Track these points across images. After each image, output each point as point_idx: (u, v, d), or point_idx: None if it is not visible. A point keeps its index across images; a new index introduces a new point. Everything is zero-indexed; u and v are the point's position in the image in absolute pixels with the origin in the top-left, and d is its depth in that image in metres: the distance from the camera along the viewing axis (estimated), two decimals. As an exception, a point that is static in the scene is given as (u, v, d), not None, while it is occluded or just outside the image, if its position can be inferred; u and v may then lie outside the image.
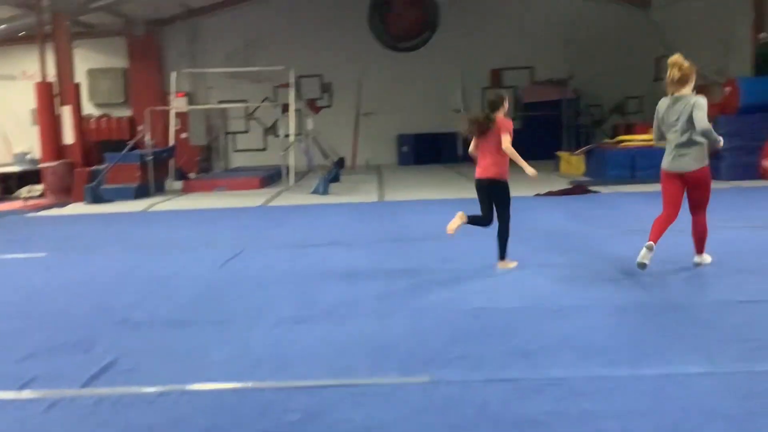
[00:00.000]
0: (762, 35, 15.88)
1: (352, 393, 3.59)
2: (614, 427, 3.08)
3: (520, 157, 6.37)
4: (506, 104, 6.57)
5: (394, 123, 21.79)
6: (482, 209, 6.53)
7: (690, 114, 5.82)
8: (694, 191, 6.09)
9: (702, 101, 5.86)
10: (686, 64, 5.98)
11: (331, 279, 6.26)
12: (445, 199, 12.20)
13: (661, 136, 6.20)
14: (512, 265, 6.44)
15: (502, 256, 6.46)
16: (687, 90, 5.97)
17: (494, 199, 6.48)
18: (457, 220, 6.40)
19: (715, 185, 11.34)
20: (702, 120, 5.74)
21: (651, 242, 5.89)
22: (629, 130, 17.05)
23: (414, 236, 8.39)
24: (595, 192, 11.95)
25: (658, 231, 6.05)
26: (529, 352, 4.08)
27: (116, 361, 4.19)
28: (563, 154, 16.56)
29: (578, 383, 3.58)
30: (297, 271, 6.69)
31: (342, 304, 5.40)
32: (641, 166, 13.60)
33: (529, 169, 6.38)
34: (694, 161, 5.95)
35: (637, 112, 22.14)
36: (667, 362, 3.83)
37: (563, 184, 13.09)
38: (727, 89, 14.03)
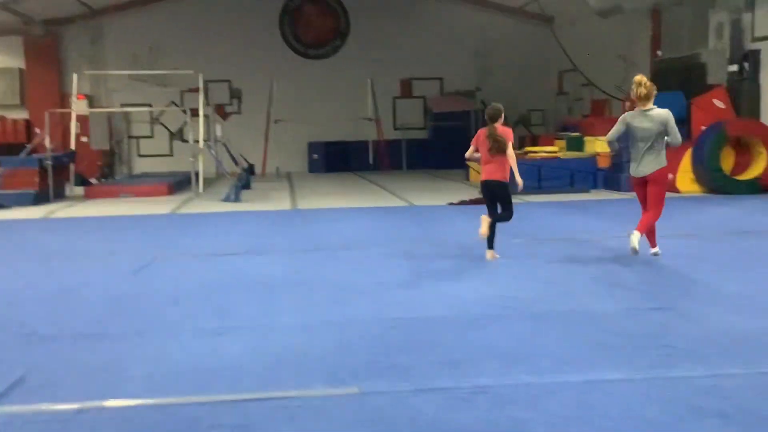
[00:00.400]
0: (659, 53, 16.69)
1: (280, 406, 3.50)
2: (544, 434, 3.13)
3: (516, 164, 7.19)
4: (503, 115, 7.41)
5: (304, 130, 21.67)
6: (491, 207, 7.40)
7: (660, 125, 6.83)
8: (651, 186, 7.01)
9: (671, 114, 6.92)
10: (648, 82, 6.97)
11: (250, 289, 6.13)
12: (360, 207, 12.21)
13: (617, 141, 7.26)
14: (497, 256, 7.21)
15: (492, 245, 7.27)
16: (650, 104, 6.92)
17: (498, 198, 7.32)
18: (485, 225, 7.13)
19: (614, 195, 11.89)
20: (677, 132, 6.91)
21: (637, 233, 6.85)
22: (535, 141, 17.55)
23: (331, 245, 8.33)
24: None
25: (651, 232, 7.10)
26: (456, 362, 4.10)
27: (25, 378, 3.95)
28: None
29: (506, 391, 3.62)
30: (213, 280, 6.52)
31: (263, 314, 5.29)
32: (547, 177, 14.03)
33: (519, 178, 7.17)
34: (656, 164, 6.94)
35: (540, 125, 22.85)
36: (589, 369, 3.93)
37: (474, 194, 13.32)
38: (628, 104, 14.63)
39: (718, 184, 12.87)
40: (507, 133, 7.22)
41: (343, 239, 8.79)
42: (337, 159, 21.67)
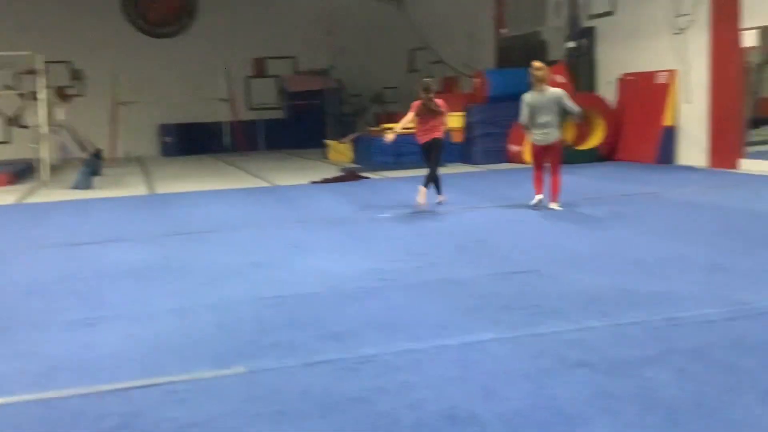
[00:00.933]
0: (503, 31, 17.44)
1: (169, 391, 3.47)
2: (429, 395, 3.30)
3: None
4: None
5: (154, 112, 20.91)
6: (428, 165, 8.92)
7: (557, 102, 8.20)
8: (552, 155, 8.41)
9: (564, 92, 8.41)
10: (544, 66, 8.46)
11: (116, 277, 5.93)
12: (222, 189, 12.01)
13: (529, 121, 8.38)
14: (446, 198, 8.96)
15: (440, 191, 8.98)
16: (546, 84, 8.33)
17: (432, 153, 8.88)
18: (421, 194, 8.62)
19: (468, 169, 12.37)
20: (574, 104, 8.33)
21: (540, 195, 8.41)
22: (391, 118, 17.86)
23: (197, 228, 8.19)
24: (366, 178, 12.42)
25: (539, 184, 8.48)
26: (338, 335, 4.21)
27: None
28: (331, 142, 16.98)
29: (390, 358, 3.77)
30: (74, 271, 6.26)
31: (134, 302, 5.16)
32: (405, 152, 14.36)
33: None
34: (555, 136, 8.31)
35: (394, 102, 23.27)
36: (464, 332, 4.16)
37: (334, 172, 13.45)
38: (477, 80, 15.25)
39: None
40: (442, 102, 8.94)
41: (209, 222, 8.66)
42: (190, 141, 21.07)
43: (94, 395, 3.45)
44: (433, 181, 8.87)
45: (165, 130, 21.27)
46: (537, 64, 8.41)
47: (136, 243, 7.49)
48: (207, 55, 20.98)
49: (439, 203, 8.96)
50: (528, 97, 8.39)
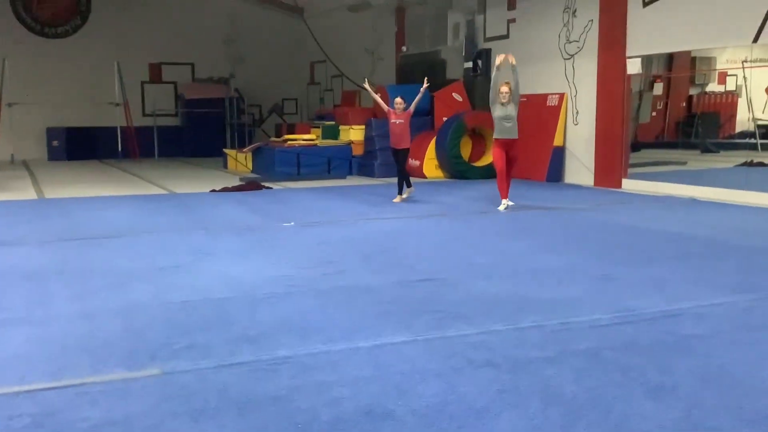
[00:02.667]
0: (404, 48, 17.85)
1: (82, 392, 3.43)
2: (347, 393, 3.41)
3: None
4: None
5: (43, 115, 20.13)
6: (397, 166, 10.80)
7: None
8: (512, 152, 9.68)
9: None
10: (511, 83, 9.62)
11: (13, 281, 5.73)
12: (118, 195, 11.71)
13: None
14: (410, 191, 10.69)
15: (409, 185, 10.74)
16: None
17: (401, 158, 10.71)
18: (398, 197, 10.59)
19: (369, 181, 12.61)
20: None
21: (506, 200, 9.67)
22: (292, 129, 17.93)
23: (96, 233, 7.97)
24: (268, 188, 12.42)
25: (506, 189, 9.74)
26: (252, 338, 4.26)
27: None
28: (230, 152, 16.84)
29: (306, 359, 3.86)
30: (-36, 275, 5.99)
31: (37, 305, 5.01)
32: (305, 164, 14.47)
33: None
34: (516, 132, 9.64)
35: (294, 113, 23.34)
36: (376, 335, 4.30)
37: (234, 181, 13.36)
38: (378, 95, 15.51)
39: (458, 169, 14.16)
40: (408, 113, 10.66)
41: (108, 227, 8.44)
42: (80, 146, 20.41)
43: (3, 396, 3.37)
44: (405, 181, 10.62)
45: (53, 133, 20.47)
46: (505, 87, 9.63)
47: (30, 247, 7.24)
48: (100, 57, 20.41)
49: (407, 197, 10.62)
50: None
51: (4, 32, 19.96)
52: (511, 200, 9.77)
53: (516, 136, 9.66)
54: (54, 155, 20.29)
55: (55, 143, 20.47)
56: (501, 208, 9.63)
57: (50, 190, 12.76)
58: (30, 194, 12.12)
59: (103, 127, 20.33)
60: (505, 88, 9.53)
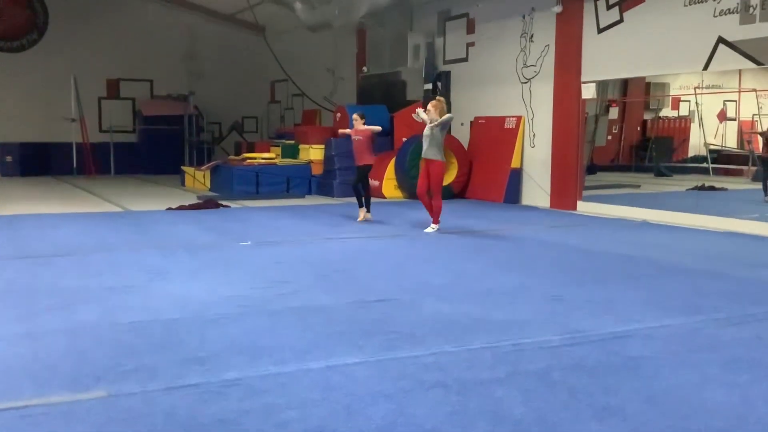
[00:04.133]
0: (364, 68, 17.94)
1: (24, 414, 3.34)
2: (295, 415, 3.39)
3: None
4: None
5: (-5, 129, 19.72)
6: (357, 185, 10.65)
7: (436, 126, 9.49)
8: (432, 176, 9.53)
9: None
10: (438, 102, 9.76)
11: (-45, 300, 5.58)
12: (70, 213, 11.51)
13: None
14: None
15: (368, 209, 10.64)
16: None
17: (363, 175, 10.63)
18: (362, 214, 10.54)
19: (327, 201, 12.65)
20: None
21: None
22: (251, 148, 17.86)
23: (43, 252, 7.82)
24: (225, 206, 12.32)
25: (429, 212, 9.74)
26: (201, 359, 4.20)
27: None
28: (188, 169, 16.69)
29: (255, 382, 3.82)
30: None
31: (-23, 326, 4.88)
32: (265, 183, 14.40)
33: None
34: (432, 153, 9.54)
35: (254, 131, 23.26)
36: (328, 356, 4.28)
37: (191, 199, 13.23)
38: (338, 115, 15.58)
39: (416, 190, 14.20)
40: (368, 130, 10.62)
41: (57, 246, 8.29)
42: (34, 162, 20.05)
43: (-61, 420, 3.27)
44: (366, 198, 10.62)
45: (5, 149, 20.08)
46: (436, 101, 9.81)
47: (-24, 265, 7.06)
48: (56, 72, 20.12)
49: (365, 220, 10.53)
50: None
51: (-43, 45, 19.59)
52: (438, 225, 9.63)
53: (430, 157, 9.48)
54: (6, 171, 19.90)
55: (8, 158, 20.07)
56: (427, 230, 9.58)
57: (0, 206, 12.47)
58: (-21, 211, 11.84)
59: (59, 143, 20.02)
60: (430, 108, 9.64)
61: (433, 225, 9.61)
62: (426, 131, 9.55)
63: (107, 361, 4.15)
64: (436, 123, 9.45)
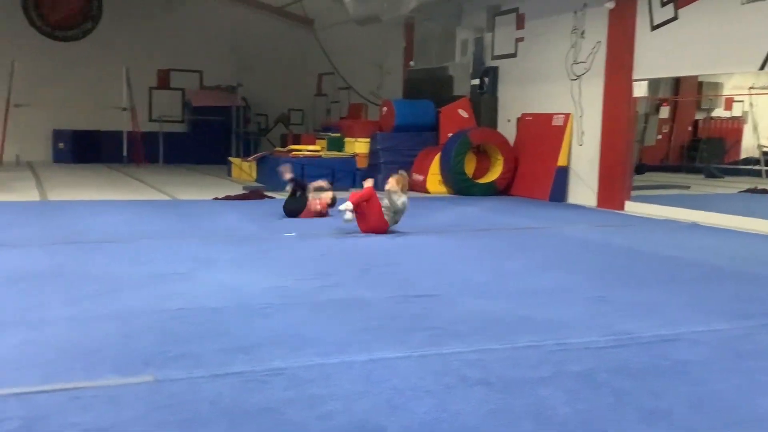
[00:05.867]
0: (411, 63, 17.91)
1: (72, 397, 3.42)
2: (339, 407, 3.40)
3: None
4: None
5: (49, 117, 20.22)
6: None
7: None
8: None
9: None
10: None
11: (6, 283, 5.72)
12: (120, 200, 11.73)
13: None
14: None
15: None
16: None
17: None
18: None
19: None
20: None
21: None
22: (297, 140, 17.97)
23: (94, 237, 7.99)
24: (270, 197, 12.42)
25: None
26: (245, 348, 4.25)
27: None
28: (235, 160, 16.87)
29: (299, 372, 3.85)
30: (-38, 275, 5.99)
31: (29, 308, 5.00)
32: (310, 175, 14.45)
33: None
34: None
35: (300, 124, 23.39)
36: (370, 350, 4.28)
37: (237, 189, 13.37)
38: (384, 109, 15.59)
39: (461, 186, 14.17)
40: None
41: (107, 232, 8.46)
42: (86, 149, 20.45)
43: (-7, 399, 3.36)
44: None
45: (60, 136, 20.54)
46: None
47: (27, 249, 7.25)
48: (108, 61, 20.48)
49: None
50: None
51: (14, 34, 20.07)
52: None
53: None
54: (59, 157, 20.35)
55: (61, 145, 20.53)
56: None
57: (53, 192, 12.79)
58: (33, 196, 12.15)
59: (110, 131, 20.40)
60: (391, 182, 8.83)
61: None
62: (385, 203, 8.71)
63: (154, 347, 4.22)
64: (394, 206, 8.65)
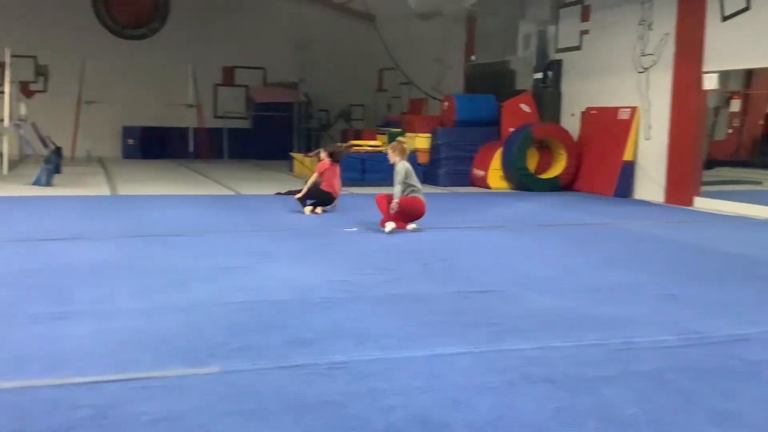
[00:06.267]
0: (473, 57, 17.76)
1: (141, 386, 3.51)
2: (400, 402, 3.40)
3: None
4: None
5: (119, 113, 20.75)
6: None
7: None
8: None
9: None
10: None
11: (81, 274, 5.91)
12: (186, 194, 11.99)
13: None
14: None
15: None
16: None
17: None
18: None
19: (433, 190, 12.67)
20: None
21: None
22: (358, 135, 18.03)
23: (161, 231, 8.18)
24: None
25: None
26: (308, 341, 4.29)
27: None
28: (297, 155, 17.04)
29: (361, 366, 3.86)
30: (38, 266, 6.22)
31: (101, 299, 5.16)
32: (371, 170, 14.50)
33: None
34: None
35: (361, 119, 23.46)
36: (431, 345, 4.27)
37: (299, 184, 13.48)
38: (446, 104, 15.51)
39: (523, 181, 14.00)
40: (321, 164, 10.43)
41: (173, 225, 8.65)
42: (154, 145, 20.94)
43: (66, 386, 3.47)
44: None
45: (128, 132, 21.09)
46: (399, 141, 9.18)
47: (99, 241, 7.47)
48: (175, 59, 20.90)
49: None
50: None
51: (85, 32, 20.66)
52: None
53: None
54: (129, 153, 20.89)
55: (130, 141, 21.07)
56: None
57: (123, 186, 13.14)
58: (103, 190, 12.52)
59: (176, 127, 20.84)
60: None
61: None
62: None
63: (219, 339, 4.30)
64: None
